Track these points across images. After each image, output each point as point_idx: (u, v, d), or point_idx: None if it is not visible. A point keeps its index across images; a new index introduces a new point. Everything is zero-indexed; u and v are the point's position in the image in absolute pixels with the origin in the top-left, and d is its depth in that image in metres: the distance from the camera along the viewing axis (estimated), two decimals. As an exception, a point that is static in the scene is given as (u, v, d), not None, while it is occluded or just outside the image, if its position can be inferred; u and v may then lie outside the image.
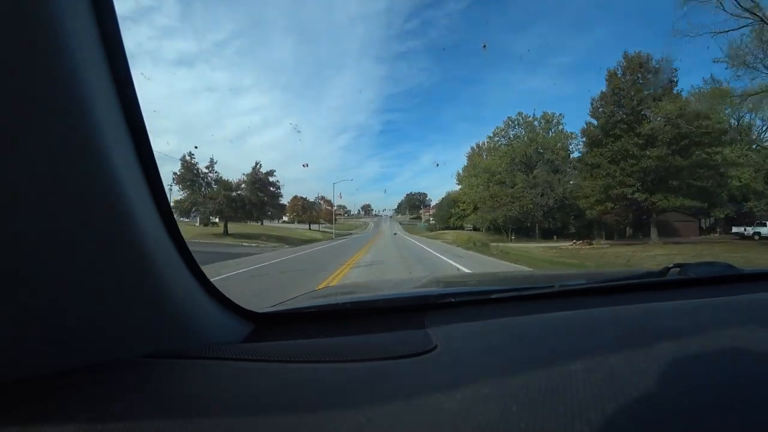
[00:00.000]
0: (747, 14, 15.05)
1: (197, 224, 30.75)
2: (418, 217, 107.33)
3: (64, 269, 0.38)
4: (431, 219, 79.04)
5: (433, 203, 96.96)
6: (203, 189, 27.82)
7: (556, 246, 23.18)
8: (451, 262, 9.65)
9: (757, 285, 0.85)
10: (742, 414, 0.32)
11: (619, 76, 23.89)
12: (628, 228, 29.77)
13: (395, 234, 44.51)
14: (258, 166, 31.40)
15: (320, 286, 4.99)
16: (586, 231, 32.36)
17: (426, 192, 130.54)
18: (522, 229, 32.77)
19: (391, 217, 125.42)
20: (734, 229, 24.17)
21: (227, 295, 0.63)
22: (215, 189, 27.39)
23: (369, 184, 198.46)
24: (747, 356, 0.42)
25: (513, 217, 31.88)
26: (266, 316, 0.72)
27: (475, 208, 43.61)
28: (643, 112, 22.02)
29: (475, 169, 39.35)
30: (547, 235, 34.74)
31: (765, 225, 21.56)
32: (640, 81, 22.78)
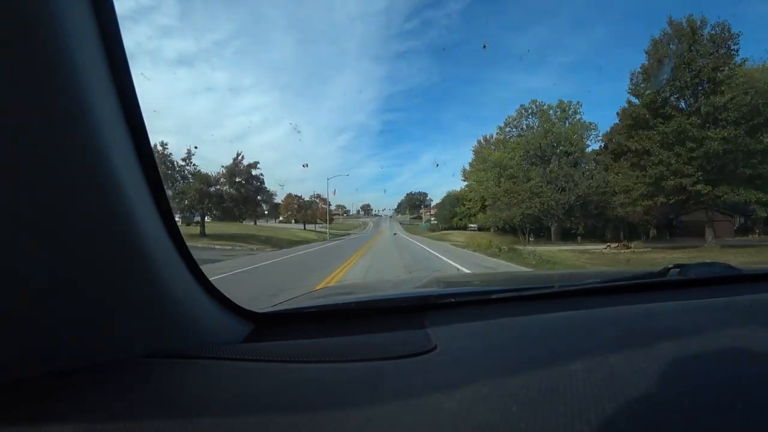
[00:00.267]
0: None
1: (180, 223, 25.37)
2: (419, 217, 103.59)
3: (64, 269, 0.39)
4: (432, 219, 73.94)
5: (433, 203, 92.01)
6: (178, 183, 25.98)
7: (587, 250, 20.78)
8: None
9: (757, 285, 0.89)
10: (743, 414, 0.32)
11: (665, 44, 20.81)
12: (652, 229, 28.61)
13: (395, 234, 43.03)
14: (239, 158, 26.37)
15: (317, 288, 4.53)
16: (612, 232, 27.10)
17: (426, 192, 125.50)
18: (536, 230, 28.41)
19: (390, 216, 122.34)
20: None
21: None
22: (191, 183, 22.18)
23: (369, 184, 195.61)
24: (747, 356, 0.43)
25: (531, 216, 26.61)
26: (266, 316, 0.75)
27: (483, 207, 38.04)
28: (700, 86, 19.37)
29: (484, 163, 34.07)
30: (566, 236, 29.39)
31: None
32: (694, 50, 19.62)
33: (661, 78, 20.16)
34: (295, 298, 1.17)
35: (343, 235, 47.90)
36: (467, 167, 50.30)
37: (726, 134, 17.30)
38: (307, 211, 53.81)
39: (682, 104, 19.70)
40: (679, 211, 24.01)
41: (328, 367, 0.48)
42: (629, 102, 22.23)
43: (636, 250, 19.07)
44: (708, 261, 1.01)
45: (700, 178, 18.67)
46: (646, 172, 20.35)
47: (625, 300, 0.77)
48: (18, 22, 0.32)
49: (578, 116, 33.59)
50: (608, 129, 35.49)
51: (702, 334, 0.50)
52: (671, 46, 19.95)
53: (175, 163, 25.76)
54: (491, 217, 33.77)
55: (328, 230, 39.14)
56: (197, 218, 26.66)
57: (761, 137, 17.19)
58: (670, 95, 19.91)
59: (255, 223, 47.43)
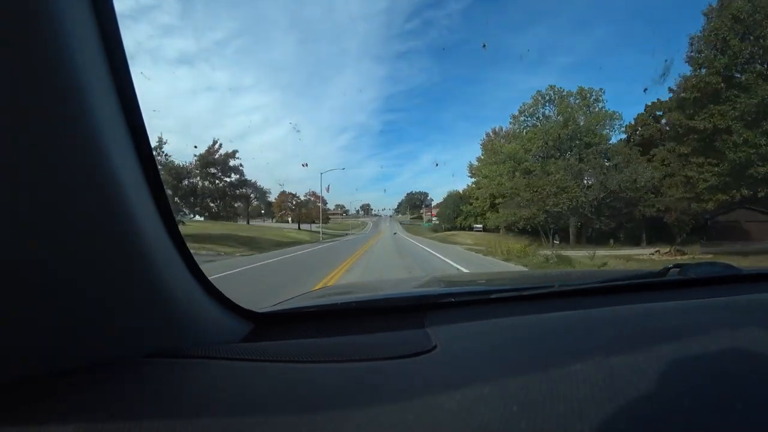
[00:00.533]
0: None
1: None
2: (419, 217, 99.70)
3: (64, 269, 0.40)
4: (433, 219, 69.11)
5: (434, 203, 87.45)
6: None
7: (630, 256, 16.42)
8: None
9: (757, 285, 0.91)
10: (743, 414, 0.33)
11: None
12: (683, 231, 25.15)
13: (395, 234, 41.08)
14: (215, 146, 21.37)
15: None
16: (646, 234, 22.20)
17: (427, 192, 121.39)
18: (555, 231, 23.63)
19: (391, 216, 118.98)
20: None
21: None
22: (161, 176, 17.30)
23: (369, 184, 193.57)
24: (747, 356, 0.44)
25: (554, 215, 21.46)
26: (266, 315, 0.75)
27: (493, 205, 32.89)
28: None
29: (495, 155, 28.84)
30: (590, 238, 24.37)
31: None
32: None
33: (738, 39, 15.21)
34: (294, 298, 1.18)
35: (340, 236, 43.62)
36: (474, 162, 45.24)
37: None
38: (302, 209, 48.55)
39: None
40: (717, 211, 21.66)
41: (327, 367, 0.49)
42: (694, 74, 17.14)
43: (696, 257, 15.60)
44: (708, 261, 1.04)
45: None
46: (713, 158, 15.34)
47: (625, 300, 0.78)
48: (18, 22, 0.32)
49: (600, 104, 28.85)
50: (633, 120, 30.58)
51: (702, 334, 0.51)
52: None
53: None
54: (504, 216, 28.91)
55: (321, 231, 34.22)
56: (193, 216, 21.94)
57: None
58: (748, 62, 14.98)
59: (248, 222, 45.48)
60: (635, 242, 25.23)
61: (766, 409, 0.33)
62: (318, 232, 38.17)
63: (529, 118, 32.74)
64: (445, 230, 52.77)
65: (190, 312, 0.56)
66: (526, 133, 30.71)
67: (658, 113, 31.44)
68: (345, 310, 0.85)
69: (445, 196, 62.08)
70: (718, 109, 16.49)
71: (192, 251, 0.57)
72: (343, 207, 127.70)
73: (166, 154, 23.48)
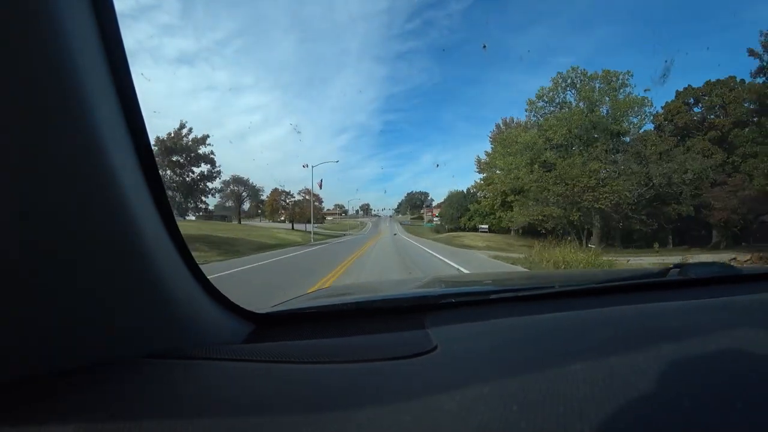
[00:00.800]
0: None
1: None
2: (420, 217, 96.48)
3: (64, 269, 0.41)
4: (434, 219, 65.01)
5: (435, 203, 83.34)
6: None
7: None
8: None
9: (757, 285, 0.91)
10: (743, 414, 0.33)
11: None
12: (714, 232, 22.47)
13: (395, 234, 38.97)
14: (184, 130, 17.02)
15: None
16: (674, 236, 18.07)
17: (427, 192, 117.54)
18: (563, 233, 19.63)
19: (390, 216, 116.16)
20: None
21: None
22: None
23: (369, 184, 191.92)
24: (747, 356, 0.45)
25: (589, 213, 17.18)
26: (266, 316, 0.76)
27: (504, 203, 28.50)
28: None
29: (510, 146, 24.34)
30: (629, 240, 20.07)
31: None
32: None
33: None
34: (295, 299, 1.18)
35: (337, 236, 39.62)
36: (483, 157, 40.73)
37: None
38: (296, 209, 44.27)
39: None
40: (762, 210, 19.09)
41: (328, 368, 0.51)
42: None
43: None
44: (708, 261, 1.06)
45: None
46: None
47: (624, 300, 0.79)
48: (18, 22, 0.33)
49: (628, 89, 24.78)
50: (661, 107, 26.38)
51: (702, 334, 0.53)
52: None
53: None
54: (523, 215, 24.52)
55: (313, 231, 30.08)
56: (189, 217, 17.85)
57: None
58: None
59: (239, 222, 43.38)
60: (661, 244, 21.21)
61: (766, 409, 0.34)
62: (314, 233, 34.05)
63: (547, 105, 28.86)
64: (449, 231, 48.78)
65: (191, 312, 0.57)
66: (546, 120, 26.50)
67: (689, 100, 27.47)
68: (345, 311, 0.86)
69: (448, 195, 58.51)
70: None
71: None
72: (342, 207, 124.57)
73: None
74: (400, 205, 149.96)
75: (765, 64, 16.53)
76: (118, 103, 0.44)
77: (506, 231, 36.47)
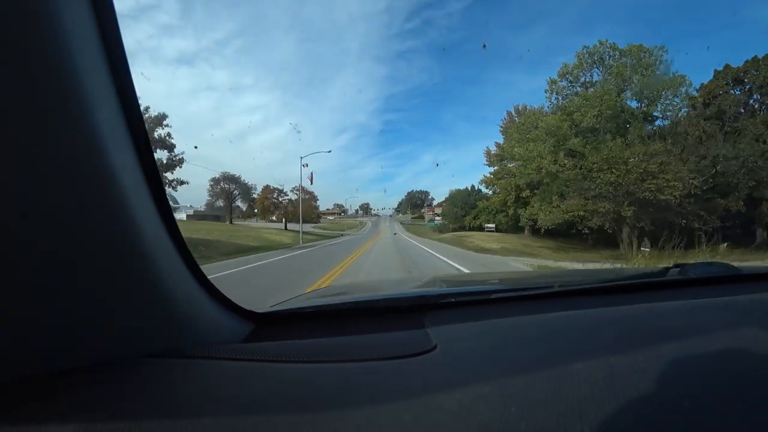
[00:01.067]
0: None
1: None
2: (421, 217, 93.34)
3: (64, 269, 0.41)
4: (436, 218, 61.43)
5: (435, 202, 79.67)
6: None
7: None
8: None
9: (757, 285, 0.90)
10: (743, 414, 0.33)
11: None
12: (759, 231, 19.11)
13: (395, 234, 37.55)
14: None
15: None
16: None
17: (428, 191, 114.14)
18: (602, 235, 15.39)
19: (391, 216, 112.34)
20: None
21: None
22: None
23: (369, 184, 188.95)
24: (747, 356, 0.45)
25: (646, 206, 12.98)
26: (266, 316, 0.76)
27: (518, 198, 24.56)
28: None
29: (530, 132, 20.30)
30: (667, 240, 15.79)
31: None
32: None
33: None
34: (295, 298, 1.16)
35: (333, 236, 35.62)
36: (492, 148, 36.68)
37: None
38: (289, 207, 40.38)
39: None
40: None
41: (328, 368, 0.51)
42: None
43: None
44: (708, 260, 1.05)
45: None
46: None
47: (624, 300, 0.79)
48: (18, 22, 0.33)
49: (662, 67, 21.04)
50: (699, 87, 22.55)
51: (702, 333, 0.53)
52: None
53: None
54: (543, 212, 20.61)
55: (301, 231, 26.22)
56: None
57: None
58: None
59: (230, 222, 39.98)
60: (688, 245, 16.96)
61: (766, 409, 0.34)
62: (309, 233, 30.29)
63: (572, 84, 24.66)
64: (453, 230, 44.99)
65: (190, 312, 0.57)
66: (571, 101, 22.73)
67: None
68: (345, 310, 0.85)
69: (450, 193, 55.21)
70: None
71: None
72: (341, 206, 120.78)
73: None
74: (400, 204, 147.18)
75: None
76: (118, 103, 0.44)
77: (517, 230, 32.76)
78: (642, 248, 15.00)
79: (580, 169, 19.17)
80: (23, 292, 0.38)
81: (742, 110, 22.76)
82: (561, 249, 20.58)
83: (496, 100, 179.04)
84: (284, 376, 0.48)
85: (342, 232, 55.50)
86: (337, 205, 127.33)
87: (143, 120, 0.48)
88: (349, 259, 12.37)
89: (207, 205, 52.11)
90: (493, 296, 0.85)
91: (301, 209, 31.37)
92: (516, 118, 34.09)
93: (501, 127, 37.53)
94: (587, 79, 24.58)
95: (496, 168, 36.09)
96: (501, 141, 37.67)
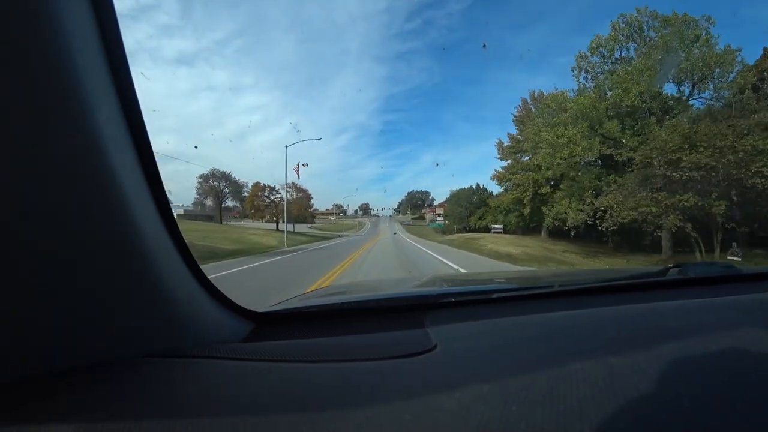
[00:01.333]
0: None
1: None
2: (421, 217, 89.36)
3: (64, 269, 0.41)
4: (437, 218, 57.53)
5: (436, 202, 75.90)
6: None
7: None
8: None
9: (757, 285, 0.89)
10: (743, 414, 0.33)
11: None
12: None
13: (395, 233, 37.11)
14: None
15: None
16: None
17: (428, 191, 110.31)
18: (631, 235, 11.27)
19: (390, 216, 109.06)
20: None
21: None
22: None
23: (369, 184, 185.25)
24: (748, 356, 0.45)
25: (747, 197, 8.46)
26: (266, 315, 0.75)
27: (536, 194, 20.36)
28: None
29: (557, 115, 16.19)
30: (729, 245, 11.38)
31: None
32: None
33: None
34: (294, 298, 1.15)
35: (328, 238, 32.27)
36: (505, 140, 32.61)
37: None
38: (278, 206, 36.46)
39: None
40: None
41: (328, 367, 0.51)
42: None
43: None
44: (708, 260, 1.14)
45: None
46: None
47: (625, 299, 0.78)
48: (18, 22, 0.33)
49: (708, 38, 17.07)
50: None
51: (702, 333, 0.53)
52: None
53: None
54: (575, 210, 16.77)
55: (285, 233, 22.38)
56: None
57: None
58: None
59: (221, 222, 38.13)
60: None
61: (766, 409, 0.34)
62: (303, 233, 26.37)
63: (604, 61, 20.30)
64: (458, 231, 41.10)
65: (191, 312, 0.57)
66: (610, 77, 18.86)
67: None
68: (345, 309, 0.84)
69: (452, 192, 51.83)
70: None
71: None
72: (340, 206, 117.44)
73: None
74: (400, 204, 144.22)
75: None
76: (118, 103, 0.44)
77: (528, 231, 28.98)
78: (730, 257, 11.00)
79: (638, 152, 13.71)
80: (23, 292, 0.38)
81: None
82: (589, 254, 17.00)
83: (496, 100, 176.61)
84: (284, 375, 0.47)
85: (338, 233, 53.42)
86: (336, 205, 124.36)
87: (143, 120, 0.47)
88: (338, 267, 9.72)
89: (194, 203, 48.42)
90: (494, 296, 0.83)
91: (286, 207, 26.94)
92: (532, 107, 30.16)
93: (514, 116, 33.53)
94: (624, 54, 21.05)
95: (509, 162, 31.99)
96: (504, 139, 34.00)
